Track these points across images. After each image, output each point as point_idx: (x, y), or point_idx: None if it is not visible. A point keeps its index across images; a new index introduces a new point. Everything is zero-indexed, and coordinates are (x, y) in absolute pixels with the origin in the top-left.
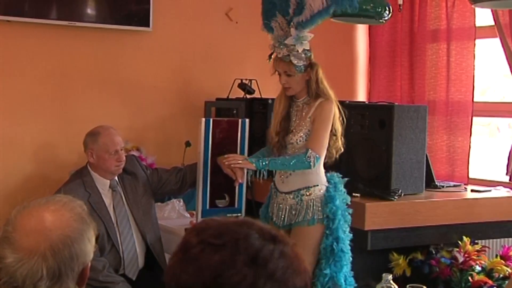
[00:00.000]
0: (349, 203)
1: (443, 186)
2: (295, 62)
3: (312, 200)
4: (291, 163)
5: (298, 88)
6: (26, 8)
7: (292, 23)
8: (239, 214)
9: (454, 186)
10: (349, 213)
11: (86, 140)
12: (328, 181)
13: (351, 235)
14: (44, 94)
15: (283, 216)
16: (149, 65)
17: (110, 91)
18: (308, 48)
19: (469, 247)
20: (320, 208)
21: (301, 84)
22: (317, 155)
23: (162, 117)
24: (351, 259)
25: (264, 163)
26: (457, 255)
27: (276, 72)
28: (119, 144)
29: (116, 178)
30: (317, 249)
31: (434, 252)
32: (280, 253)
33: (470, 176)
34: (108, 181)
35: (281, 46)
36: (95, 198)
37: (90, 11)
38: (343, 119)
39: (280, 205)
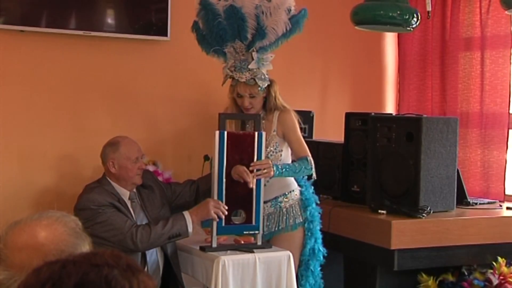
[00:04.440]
0: (318, 202)
1: (476, 203)
2: (260, 84)
3: (290, 206)
4: (300, 170)
5: (259, 107)
6: (44, 18)
7: (254, 48)
8: (256, 232)
9: (488, 203)
10: (319, 213)
11: (106, 151)
12: (298, 184)
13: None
14: (59, 105)
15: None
16: (167, 75)
17: (127, 102)
18: (271, 68)
19: (504, 269)
20: (299, 212)
21: (261, 102)
22: (312, 160)
23: (180, 130)
24: (326, 254)
25: (279, 172)
26: (492, 277)
27: (235, 96)
28: (139, 152)
29: (134, 190)
30: (300, 251)
31: (466, 274)
32: (144, 284)
33: (507, 192)
34: (128, 192)
35: (244, 71)
36: (121, 203)
37: (106, 20)
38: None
39: None
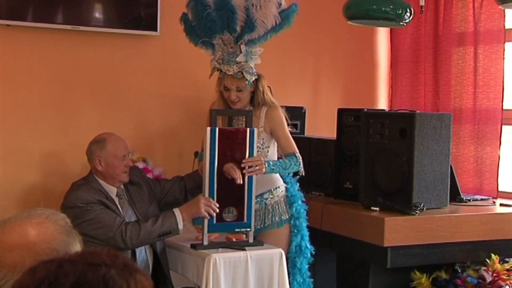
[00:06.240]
0: (304, 199)
1: (469, 200)
2: (248, 77)
3: (276, 203)
4: (290, 167)
5: (246, 101)
6: (30, 12)
7: (242, 40)
8: (248, 229)
9: (482, 200)
10: (305, 210)
11: (92, 148)
12: (284, 180)
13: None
14: (47, 102)
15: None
16: (157, 71)
17: (116, 98)
18: (259, 62)
19: (498, 266)
20: (285, 209)
21: (249, 97)
22: (300, 156)
23: (170, 127)
24: (313, 252)
25: (270, 168)
26: (485, 274)
27: (222, 89)
28: (126, 149)
29: (122, 186)
30: (287, 248)
31: (459, 271)
32: (141, 284)
33: (500, 189)
34: (115, 189)
35: (231, 64)
36: (109, 200)
37: (95, 14)
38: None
39: None
